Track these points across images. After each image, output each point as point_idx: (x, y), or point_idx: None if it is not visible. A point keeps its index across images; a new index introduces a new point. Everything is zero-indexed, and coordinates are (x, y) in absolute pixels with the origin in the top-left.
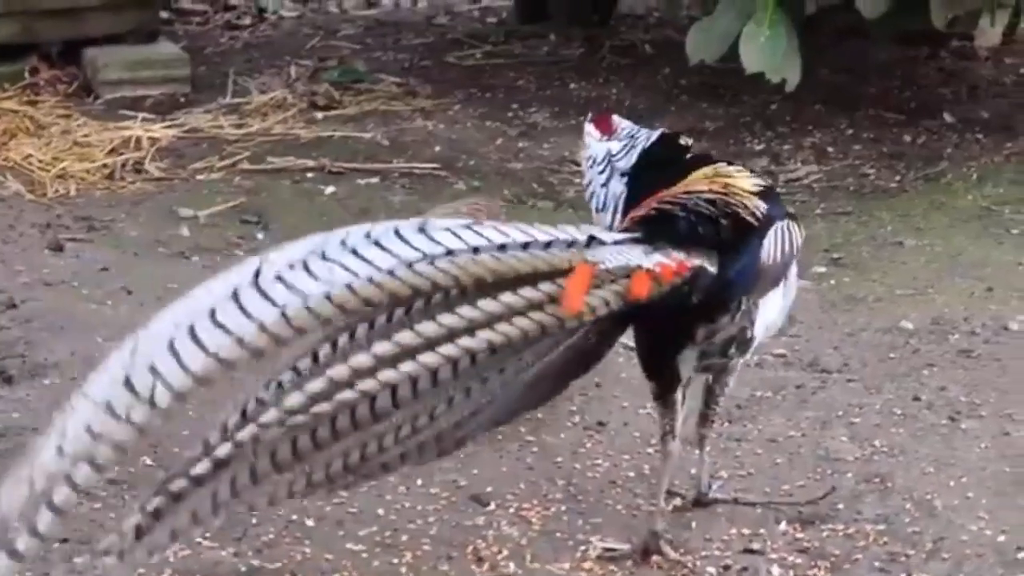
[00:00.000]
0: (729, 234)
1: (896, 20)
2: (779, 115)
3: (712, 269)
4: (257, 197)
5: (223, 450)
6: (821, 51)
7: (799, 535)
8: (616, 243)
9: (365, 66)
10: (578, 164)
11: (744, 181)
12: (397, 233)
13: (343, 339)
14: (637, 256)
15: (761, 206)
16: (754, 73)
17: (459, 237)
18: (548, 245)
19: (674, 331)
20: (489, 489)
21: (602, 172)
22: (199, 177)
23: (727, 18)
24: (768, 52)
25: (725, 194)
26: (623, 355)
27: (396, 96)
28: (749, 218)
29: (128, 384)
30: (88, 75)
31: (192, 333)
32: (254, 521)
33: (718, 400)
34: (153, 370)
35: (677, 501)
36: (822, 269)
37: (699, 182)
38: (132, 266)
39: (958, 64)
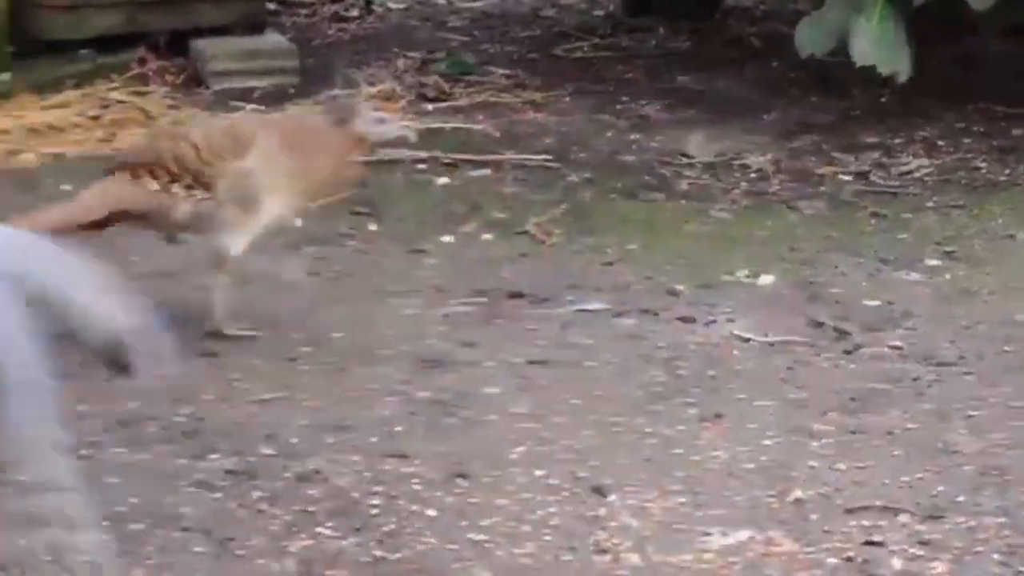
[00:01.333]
0: None
1: (1006, 13)
2: (889, 108)
3: None
4: (368, 188)
5: None
6: (931, 44)
7: (919, 527)
8: None
9: (474, 58)
10: (689, 156)
11: None
12: None
13: None
14: None
15: None
16: (864, 66)
17: None
18: None
19: None
20: (609, 480)
21: None
22: None
23: (837, 11)
24: (878, 45)
25: None
26: (738, 348)
27: (505, 88)
28: None
29: None
30: (197, 65)
31: None
32: (375, 512)
33: None
34: None
35: (799, 493)
36: (936, 262)
37: None
38: (246, 256)
39: None
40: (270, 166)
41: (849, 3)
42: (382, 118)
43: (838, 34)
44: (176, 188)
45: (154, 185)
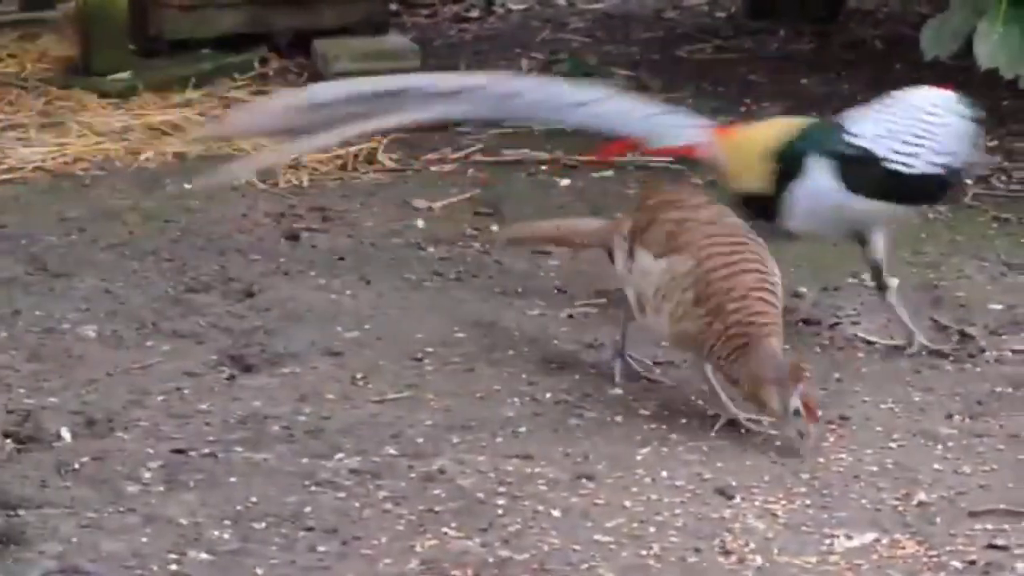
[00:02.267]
0: None
1: None
2: (1012, 112)
3: None
4: (491, 189)
5: None
6: None
7: None
8: None
9: (595, 59)
10: None
11: None
12: None
13: None
14: None
15: None
16: (988, 69)
17: None
18: None
19: None
20: (734, 482)
21: None
22: (432, 168)
23: (961, 15)
24: (1002, 48)
25: None
26: (863, 350)
27: (628, 89)
28: None
29: None
30: (319, 66)
31: None
32: (500, 512)
33: None
34: None
35: (923, 496)
36: None
37: None
38: (369, 256)
39: None
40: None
41: (973, 6)
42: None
43: (962, 37)
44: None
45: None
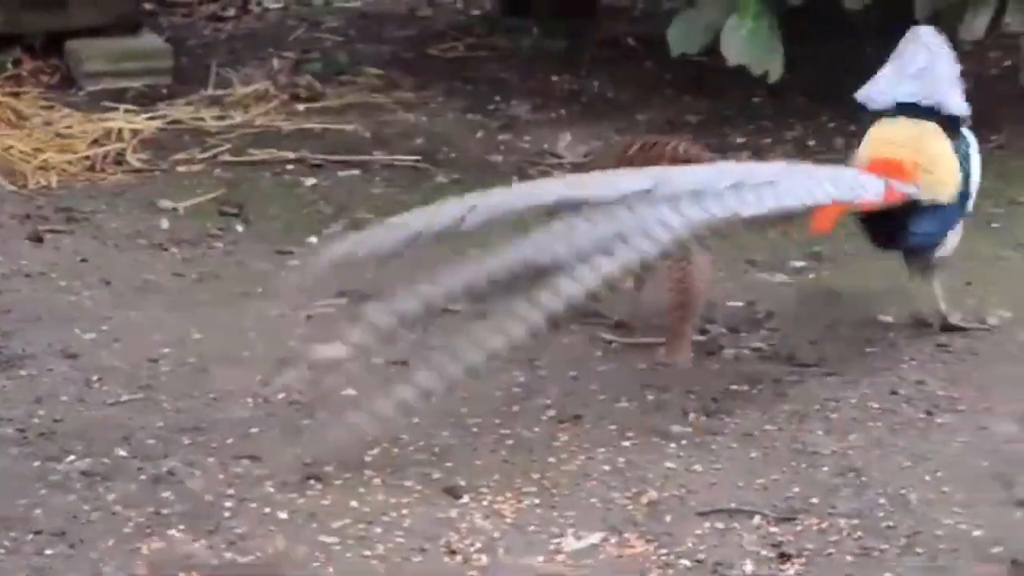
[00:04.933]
0: None
1: (880, 13)
2: (761, 108)
3: None
4: (237, 189)
5: None
6: (804, 44)
7: (773, 529)
8: None
9: (347, 58)
10: (558, 156)
11: None
12: None
13: None
14: None
15: None
16: (737, 65)
17: None
18: None
19: None
20: (462, 482)
21: None
22: (180, 169)
23: (710, 10)
24: (751, 44)
25: None
26: (601, 348)
27: (378, 88)
28: None
29: None
30: (71, 67)
31: None
32: (227, 514)
33: None
34: None
35: (653, 495)
36: (800, 263)
37: None
38: (111, 258)
39: None
40: None
41: (721, 2)
42: None
43: (710, 33)
44: None
45: None
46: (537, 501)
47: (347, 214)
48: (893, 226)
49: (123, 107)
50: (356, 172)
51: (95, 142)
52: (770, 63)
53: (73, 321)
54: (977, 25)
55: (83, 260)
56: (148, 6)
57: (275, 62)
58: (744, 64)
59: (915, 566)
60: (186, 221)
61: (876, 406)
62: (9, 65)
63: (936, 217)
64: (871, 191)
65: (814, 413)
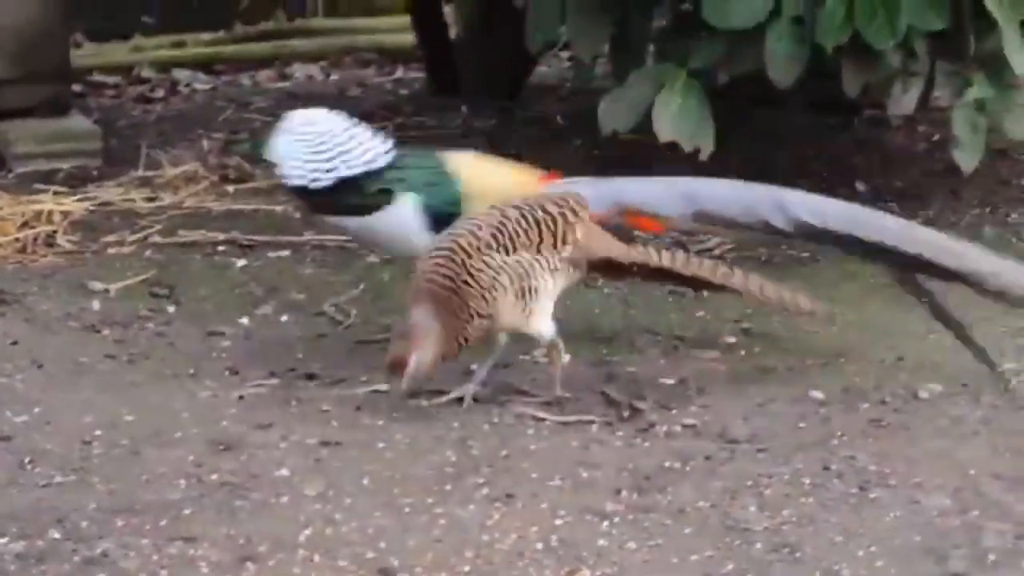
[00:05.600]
0: None
1: (809, 89)
2: None
3: None
4: (168, 270)
5: None
6: (735, 120)
7: None
8: None
9: None
10: None
11: None
12: None
13: None
14: None
15: None
16: (667, 142)
17: None
18: None
19: None
20: (396, 562)
21: None
22: (110, 251)
23: (639, 87)
24: (681, 120)
25: None
26: (532, 427)
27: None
28: None
29: None
30: (1, 148)
31: None
32: None
33: None
34: None
35: (586, 573)
36: (732, 339)
37: None
38: (43, 340)
39: (871, 133)
40: None
41: (651, 79)
42: None
43: (640, 110)
44: None
45: None
46: None
47: (278, 295)
48: None
49: (53, 189)
50: (286, 253)
51: (25, 224)
52: (701, 139)
53: (4, 404)
54: (907, 100)
55: (14, 343)
56: (77, 88)
57: (204, 143)
58: (675, 140)
59: None
60: (117, 303)
61: (808, 482)
62: None
63: None
64: None
65: (746, 489)
